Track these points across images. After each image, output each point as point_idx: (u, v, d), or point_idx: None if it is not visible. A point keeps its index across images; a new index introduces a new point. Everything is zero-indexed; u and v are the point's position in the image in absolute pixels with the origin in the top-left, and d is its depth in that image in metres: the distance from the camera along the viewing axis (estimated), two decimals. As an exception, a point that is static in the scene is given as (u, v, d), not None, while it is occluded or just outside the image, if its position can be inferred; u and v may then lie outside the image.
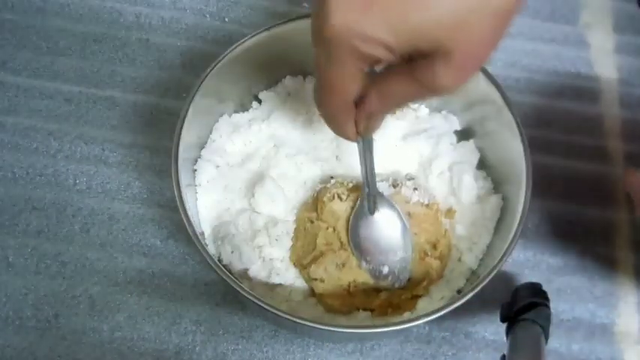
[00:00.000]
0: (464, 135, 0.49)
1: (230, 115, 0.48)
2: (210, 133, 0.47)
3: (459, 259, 0.45)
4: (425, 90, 0.32)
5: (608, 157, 0.53)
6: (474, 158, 0.47)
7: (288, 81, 0.50)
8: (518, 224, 0.40)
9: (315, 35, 0.31)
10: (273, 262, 0.43)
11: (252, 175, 0.46)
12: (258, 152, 0.47)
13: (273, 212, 0.44)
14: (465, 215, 0.45)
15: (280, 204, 0.44)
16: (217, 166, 0.46)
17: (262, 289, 0.43)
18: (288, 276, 0.43)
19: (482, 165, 0.48)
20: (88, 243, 0.47)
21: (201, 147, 0.47)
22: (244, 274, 0.43)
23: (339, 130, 0.37)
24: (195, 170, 0.45)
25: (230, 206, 0.45)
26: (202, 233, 0.44)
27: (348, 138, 0.38)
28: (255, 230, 0.43)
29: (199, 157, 0.46)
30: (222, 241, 0.43)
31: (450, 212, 0.45)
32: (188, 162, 0.44)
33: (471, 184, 0.45)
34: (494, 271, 0.38)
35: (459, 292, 0.43)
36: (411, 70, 0.31)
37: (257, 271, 0.43)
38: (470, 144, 0.48)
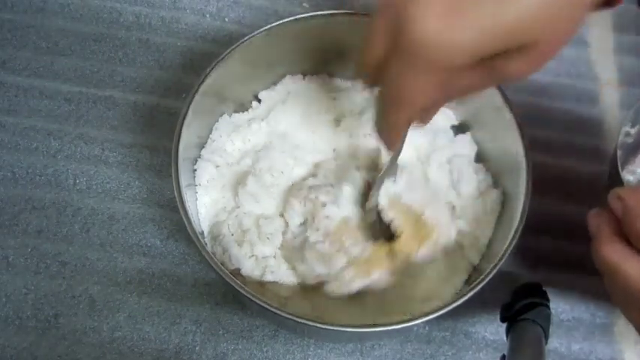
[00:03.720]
0: (460, 129, 0.49)
1: (230, 115, 0.48)
2: (210, 132, 0.47)
3: (462, 255, 0.44)
4: (498, 80, 0.31)
5: (607, 157, 0.53)
6: (472, 151, 0.47)
7: (287, 80, 0.50)
8: (520, 218, 0.40)
9: (392, 46, 0.29)
10: (266, 259, 0.43)
11: (241, 175, 0.46)
12: (254, 150, 0.47)
13: (259, 210, 0.44)
14: (466, 210, 0.45)
15: (266, 201, 0.44)
16: (217, 166, 0.46)
17: (253, 287, 0.43)
18: (281, 273, 0.43)
19: (481, 158, 0.48)
20: (88, 243, 0.47)
21: (201, 147, 0.47)
22: (238, 273, 0.43)
23: (393, 141, 0.36)
24: (195, 170, 0.45)
25: (226, 205, 0.45)
26: (202, 233, 0.44)
27: (396, 146, 0.37)
28: (244, 230, 0.43)
29: (199, 157, 0.46)
30: (215, 241, 0.43)
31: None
32: (188, 162, 0.44)
33: (470, 176, 0.45)
34: (496, 269, 0.38)
35: (465, 284, 0.43)
36: (484, 62, 0.29)
37: (250, 270, 0.43)
38: (467, 137, 0.48)
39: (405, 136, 0.38)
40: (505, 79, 0.31)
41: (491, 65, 0.30)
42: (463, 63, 0.28)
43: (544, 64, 0.31)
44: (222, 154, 0.46)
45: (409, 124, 0.35)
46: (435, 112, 0.37)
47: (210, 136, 0.47)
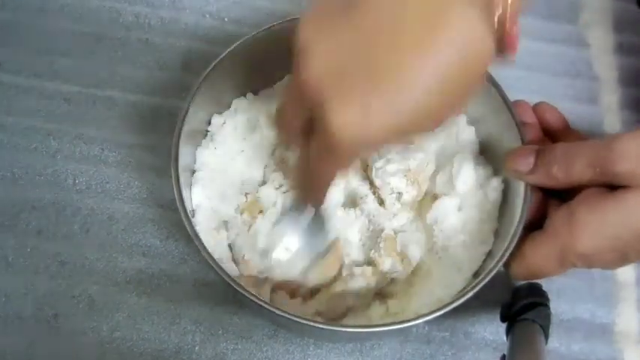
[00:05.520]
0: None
1: (229, 115, 0.48)
2: (210, 132, 0.47)
3: (469, 244, 0.44)
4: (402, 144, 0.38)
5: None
6: (474, 144, 0.47)
7: (287, 80, 0.49)
8: (522, 207, 0.40)
9: (316, 135, 0.33)
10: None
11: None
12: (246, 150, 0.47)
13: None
14: (467, 202, 0.45)
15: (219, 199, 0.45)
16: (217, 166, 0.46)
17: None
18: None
19: (481, 150, 0.47)
20: (87, 243, 0.47)
21: (201, 146, 0.47)
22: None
23: (315, 204, 0.41)
24: (195, 170, 0.45)
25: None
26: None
27: (319, 204, 0.41)
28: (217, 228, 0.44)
29: (199, 157, 0.46)
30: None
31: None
32: (188, 162, 0.44)
33: (470, 174, 0.45)
34: (496, 269, 0.38)
35: (474, 276, 0.43)
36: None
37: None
38: (471, 129, 0.47)
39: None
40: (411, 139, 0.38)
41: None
42: (379, 147, 0.34)
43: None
44: (221, 153, 0.46)
45: (325, 191, 0.39)
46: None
47: (210, 135, 0.47)
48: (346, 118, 0.31)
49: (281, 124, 0.38)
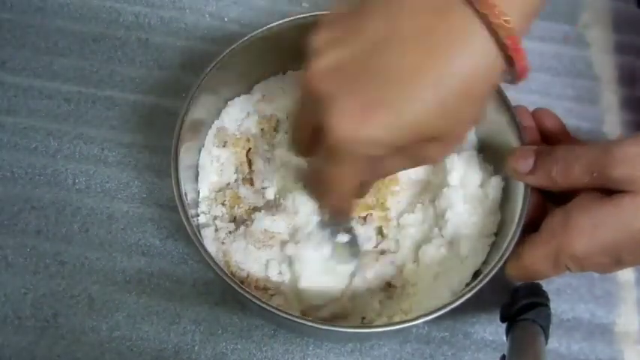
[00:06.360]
0: None
1: (229, 114, 0.48)
2: (210, 132, 0.47)
3: (475, 236, 0.44)
4: (418, 163, 0.36)
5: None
6: (474, 144, 0.47)
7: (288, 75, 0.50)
8: (522, 206, 0.40)
9: (322, 145, 0.33)
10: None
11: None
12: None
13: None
14: (469, 200, 0.44)
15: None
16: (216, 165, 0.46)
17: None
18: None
19: (480, 149, 0.47)
20: (87, 242, 0.47)
21: (201, 146, 0.47)
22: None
23: (343, 217, 0.42)
24: (195, 170, 0.45)
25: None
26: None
27: (348, 216, 0.42)
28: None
29: (199, 156, 0.46)
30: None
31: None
32: (187, 161, 0.44)
33: (471, 172, 0.45)
34: (496, 269, 0.38)
35: (476, 274, 0.43)
36: (403, 150, 0.33)
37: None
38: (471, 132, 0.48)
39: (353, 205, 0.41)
40: (423, 163, 0.37)
41: (410, 152, 0.34)
42: (380, 154, 0.32)
43: (456, 147, 0.39)
44: (220, 153, 0.46)
45: (348, 202, 0.39)
46: (370, 188, 0.42)
47: (210, 135, 0.47)
48: (345, 116, 0.31)
49: (294, 136, 0.39)
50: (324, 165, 0.34)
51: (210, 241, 0.43)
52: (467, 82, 0.31)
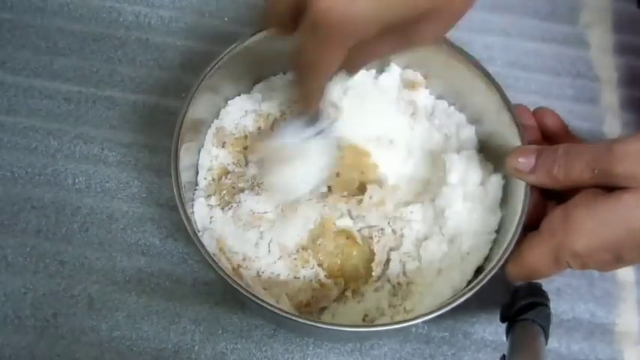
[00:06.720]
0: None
1: (229, 114, 0.48)
2: (210, 131, 0.47)
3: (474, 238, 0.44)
4: (412, 44, 0.35)
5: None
6: (474, 144, 0.47)
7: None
8: (523, 206, 0.40)
9: (303, 21, 0.32)
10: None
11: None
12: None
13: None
14: (469, 198, 0.44)
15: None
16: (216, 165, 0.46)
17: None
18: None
19: (480, 149, 0.47)
20: (86, 242, 0.47)
21: (201, 146, 0.47)
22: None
23: (311, 104, 0.39)
24: (195, 169, 0.45)
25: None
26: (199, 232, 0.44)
27: (313, 108, 0.39)
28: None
29: (198, 156, 0.46)
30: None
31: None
32: (187, 161, 0.44)
33: (471, 171, 0.45)
34: (496, 269, 0.38)
35: (477, 271, 0.43)
36: (396, 29, 0.32)
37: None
38: (472, 129, 0.48)
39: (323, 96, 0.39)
40: (418, 43, 0.35)
41: (403, 32, 0.33)
42: (371, 32, 0.31)
43: (452, 27, 0.36)
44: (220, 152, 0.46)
45: (323, 91, 0.37)
46: (362, 66, 0.39)
47: (210, 134, 0.47)
48: None
49: (270, 11, 0.36)
50: (308, 45, 0.33)
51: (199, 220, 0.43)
52: None
